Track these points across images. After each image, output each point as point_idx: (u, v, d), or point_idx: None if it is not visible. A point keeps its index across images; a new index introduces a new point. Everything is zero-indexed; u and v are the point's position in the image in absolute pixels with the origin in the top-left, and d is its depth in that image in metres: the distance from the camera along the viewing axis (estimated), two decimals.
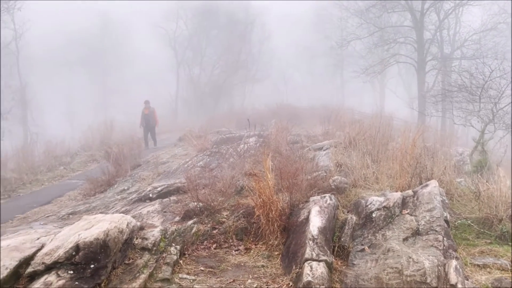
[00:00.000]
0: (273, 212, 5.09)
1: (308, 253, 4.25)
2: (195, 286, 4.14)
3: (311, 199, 5.53)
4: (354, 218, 5.18)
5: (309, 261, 4.15)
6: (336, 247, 4.75)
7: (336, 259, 4.53)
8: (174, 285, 4.17)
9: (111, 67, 42.80)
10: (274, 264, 4.69)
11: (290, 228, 5.11)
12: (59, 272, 3.83)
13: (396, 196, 5.30)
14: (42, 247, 4.29)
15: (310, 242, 4.42)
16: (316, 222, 4.74)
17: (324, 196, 5.45)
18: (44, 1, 31.91)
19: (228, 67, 34.65)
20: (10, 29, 22.97)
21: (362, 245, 4.74)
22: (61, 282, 3.70)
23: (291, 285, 4.11)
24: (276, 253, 4.90)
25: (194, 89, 35.02)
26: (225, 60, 35.15)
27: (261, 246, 5.15)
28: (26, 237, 4.70)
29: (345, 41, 23.10)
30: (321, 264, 4.11)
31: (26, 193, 10.65)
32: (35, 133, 24.87)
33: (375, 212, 5.12)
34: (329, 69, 39.93)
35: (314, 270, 4.00)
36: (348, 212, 5.54)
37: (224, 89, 34.46)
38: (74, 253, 3.97)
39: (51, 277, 3.76)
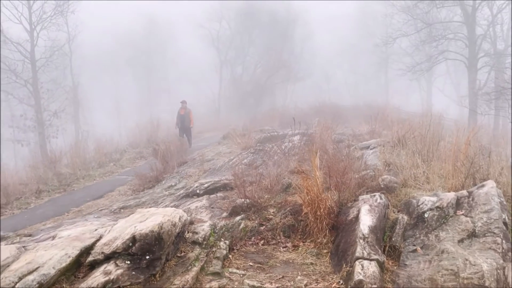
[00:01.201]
0: (322, 210, 5.06)
1: (359, 251, 4.20)
2: (245, 280, 4.19)
3: (360, 197, 5.45)
4: (406, 218, 5.05)
5: (360, 260, 4.09)
6: (386, 247, 4.65)
7: (387, 259, 4.44)
8: (224, 279, 4.25)
9: (156, 67, 44.12)
10: (323, 262, 4.66)
11: (339, 227, 5.07)
12: (117, 262, 4.01)
13: (450, 196, 5.12)
14: (100, 237, 4.50)
15: (361, 240, 4.36)
16: (366, 221, 4.67)
17: (374, 195, 5.36)
18: (95, 4, 33.28)
19: (270, 66, 34.71)
20: (64, 32, 24.08)
21: (414, 245, 4.62)
22: (119, 271, 3.87)
23: (342, 283, 4.07)
24: (325, 251, 4.87)
25: (236, 88, 35.40)
26: (267, 59, 35.26)
27: (309, 243, 5.14)
28: (85, 228, 4.95)
29: (391, 38, 22.52)
30: (373, 263, 4.05)
31: (79, 188, 11.19)
32: (86, 130, 26.06)
33: (427, 212, 4.97)
34: (373, 67, 39.10)
35: (366, 269, 3.95)
36: (398, 211, 5.40)
37: (266, 88, 34.55)
38: (130, 244, 4.14)
39: (110, 266, 3.94)
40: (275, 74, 34.65)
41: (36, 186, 10.90)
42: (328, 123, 12.15)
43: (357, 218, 4.88)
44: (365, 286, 3.78)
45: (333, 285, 4.08)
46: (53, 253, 3.98)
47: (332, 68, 44.28)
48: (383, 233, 4.85)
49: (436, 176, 6.60)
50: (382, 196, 5.40)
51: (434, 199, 5.18)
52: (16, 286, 3.49)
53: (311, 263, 4.65)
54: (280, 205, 6.14)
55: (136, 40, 42.64)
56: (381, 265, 4.12)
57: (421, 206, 5.13)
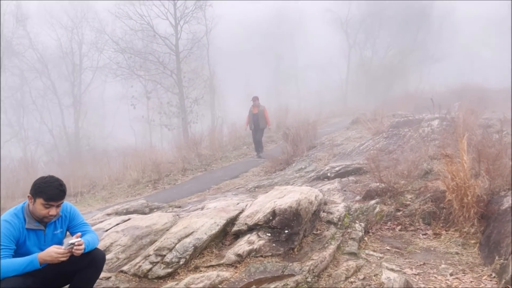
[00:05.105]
0: (469, 198, 4.65)
1: None
2: (383, 263, 4.10)
3: None
4: None
5: None
6: None
7: None
8: (361, 260, 4.21)
9: (285, 54, 44.88)
10: (471, 252, 4.30)
11: (490, 216, 4.59)
12: (259, 233, 4.28)
13: None
14: (242, 211, 4.85)
15: None
16: None
17: None
18: None
19: (403, 48, 32.64)
20: (202, 25, 26.01)
21: None
22: (261, 242, 4.13)
23: (494, 276, 3.71)
24: (473, 241, 4.48)
25: (365, 72, 34.22)
26: (400, 40, 33.18)
27: (452, 232, 4.78)
28: (228, 202, 5.38)
29: None
30: None
31: (218, 168, 12.15)
32: (220, 116, 28.01)
33: None
34: None
35: None
36: None
37: (398, 71, 32.66)
38: (271, 218, 4.37)
39: (253, 237, 4.24)
40: (408, 56, 32.51)
41: (182, 165, 12.17)
42: (472, 107, 11.00)
43: None
44: None
45: (484, 278, 3.74)
46: (204, 220, 4.43)
47: (477, 46, 39.58)
48: None
49: None
50: None
51: None
52: (176, 247, 3.98)
53: (456, 253, 4.33)
54: (419, 191, 5.81)
55: (265, 29, 43.94)
56: None
57: None
